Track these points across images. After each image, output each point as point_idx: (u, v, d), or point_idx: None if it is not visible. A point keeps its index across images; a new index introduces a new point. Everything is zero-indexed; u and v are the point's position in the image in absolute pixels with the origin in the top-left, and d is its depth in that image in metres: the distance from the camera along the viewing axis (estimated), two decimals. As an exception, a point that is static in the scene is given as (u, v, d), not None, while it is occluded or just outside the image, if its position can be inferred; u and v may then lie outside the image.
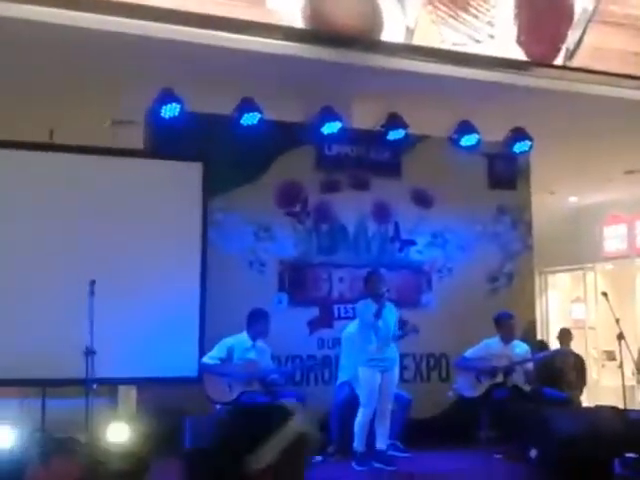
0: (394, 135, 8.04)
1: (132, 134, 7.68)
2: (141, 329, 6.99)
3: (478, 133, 8.27)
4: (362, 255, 8.32)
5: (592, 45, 7.61)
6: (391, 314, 6.91)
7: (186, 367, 6.95)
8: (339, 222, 8.28)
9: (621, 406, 7.86)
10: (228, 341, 6.98)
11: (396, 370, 6.94)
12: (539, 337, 10.13)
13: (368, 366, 6.75)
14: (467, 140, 8.33)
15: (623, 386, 7.74)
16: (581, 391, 9.42)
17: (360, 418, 6.66)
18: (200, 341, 7.05)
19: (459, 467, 6.79)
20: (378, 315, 6.70)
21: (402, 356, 8.15)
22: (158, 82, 7.02)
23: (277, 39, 6.68)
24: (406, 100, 7.59)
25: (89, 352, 6.07)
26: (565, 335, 9.57)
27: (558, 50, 7.56)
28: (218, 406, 6.79)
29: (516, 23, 7.41)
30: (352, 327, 7.33)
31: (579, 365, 9.48)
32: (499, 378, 7.53)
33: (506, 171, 8.97)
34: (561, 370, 9.25)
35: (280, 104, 7.58)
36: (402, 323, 7.18)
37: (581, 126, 8.32)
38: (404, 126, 7.96)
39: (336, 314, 8.09)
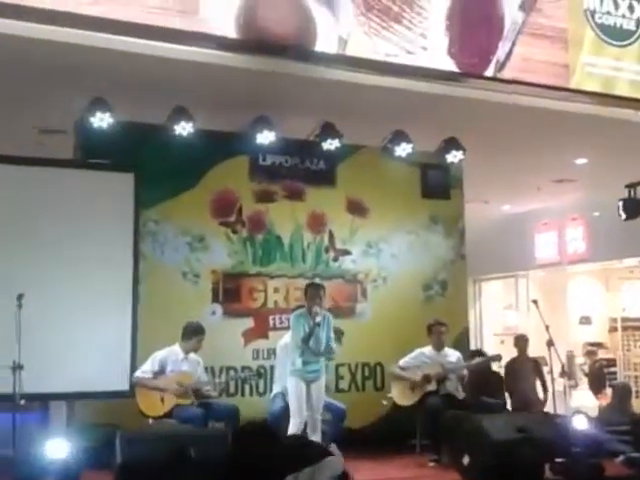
0: (329, 145, 8.04)
1: (62, 144, 7.54)
2: (72, 343, 6.86)
3: (412, 143, 8.32)
4: (297, 265, 8.33)
5: (521, 57, 7.74)
6: (325, 328, 6.85)
7: (118, 381, 6.85)
8: (274, 232, 8.28)
9: (551, 411, 8.03)
10: (160, 354, 6.91)
11: (322, 380, 6.87)
12: (473, 344, 10.25)
13: (294, 376, 6.73)
14: (401, 150, 8.37)
15: (553, 391, 7.90)
16: (545, 395, 9.18)
17: (292, 428, 6.63)
18: (132, 354, 6.96)
19: (393, 475, 6.84)
20: (306, 341, 6.69)
21: (337, 366, 8.22)
22: (89, 91, 6.89)
23: (210, 48, 6.63)
24: (340, 110, 7.60)
25: (17, 367, 5.94)
26: (521, 341, 9.61)
27: (489, 61, 7.66)
28: (151, 420, 6.70)
29: (447, 35, 7.49)
30: (287, 338, 7.31)
31: (538, 370, 9.42)
32: (433, 386, 7.60)
33: (439, 181, 9.08)
34: (497, 377, 9.34)
35: (214, 114, 7.52)
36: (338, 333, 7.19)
37: (512, 136, 8.45)
38: (338, 136, 7.97)
39: (271, 324, 8.07)
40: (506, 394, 9.32)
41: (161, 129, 7.38)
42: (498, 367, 10.05)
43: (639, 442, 6.98)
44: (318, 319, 6.73)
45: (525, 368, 9.33)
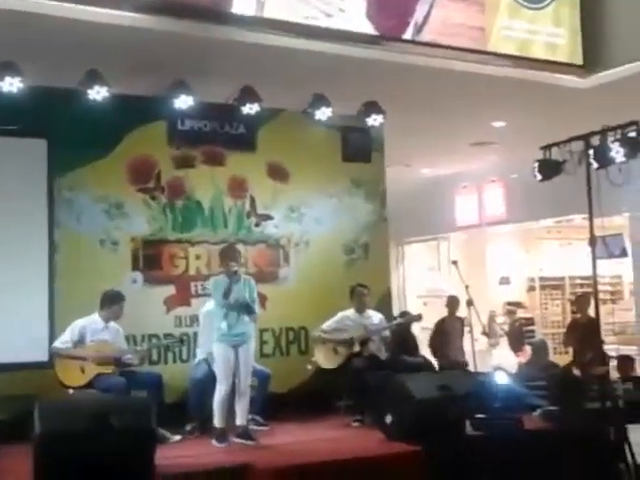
0: (248, 109, 7.94)
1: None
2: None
3: (331, 107, 8.29)
4: (219, 231, 8.26)
5: (439, 20, 7.77)
6: (247, 289, 6.80)
7: (36, 351, 6.72)
8: (194, 198, 8.18)
9: (473, 369, 8.22)
10: (79, 323, 6.78)
11: (251, 344, 6.86)
12: (396, 306, 10.37)
13: (221, 342, 6.68)
14: (321, 114, 8.33)
15: (473, 349, 8.07)
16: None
17: (217, 395, 6.59)
18: (50, 324, 6.82)
19: (317, 436, 6.90)
20: (226, 296, 6.62)
21: (261, 330, 8.21)
22: (-2, 54, 6.66)
23: (125, 10, 6.46)
24: (259, 74, 7.51)
25: None
26: (452, 303, 9.72)
27: (407, 24, 7.67)
28: (71, 390, 6.60)
29: (366, -3, 7.47)
30: (210, 305, 7.25)
31: (462, 329, 9.54)
32: (356, 348, 7.67)
33: (360, 144, 9.09)
34: (413, 336, 9.45)
35: (130, 78, 7.34)
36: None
37: (431, 99, 8.49)
38: (258, 100, 7.88)
39: (193, 291, 8.00)
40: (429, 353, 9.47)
41: (75, 94, 7.14)
42: (422, 328, 10.21)
43: (554, 396, 7.20)
44: (235, 268, 6.69)
45: (455, 328, 9.49)
